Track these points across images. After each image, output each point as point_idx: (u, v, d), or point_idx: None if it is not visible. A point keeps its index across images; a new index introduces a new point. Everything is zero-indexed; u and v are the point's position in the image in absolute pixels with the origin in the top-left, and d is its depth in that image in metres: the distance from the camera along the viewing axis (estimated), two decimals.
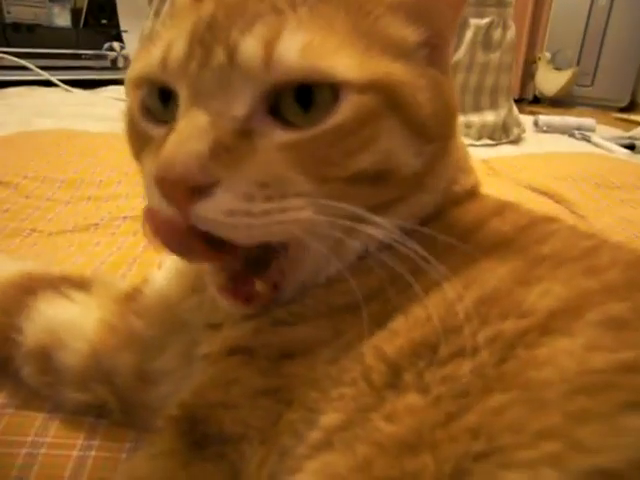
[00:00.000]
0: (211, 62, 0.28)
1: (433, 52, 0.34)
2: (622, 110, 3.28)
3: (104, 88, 2.48)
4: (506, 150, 1.87)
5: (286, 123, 0.29)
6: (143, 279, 0.47)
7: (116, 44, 3.00)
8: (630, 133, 2.16)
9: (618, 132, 2.33)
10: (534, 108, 3.09)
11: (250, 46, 0.28)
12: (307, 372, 0.29)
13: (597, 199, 1.12)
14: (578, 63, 3.34)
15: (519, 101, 3.04)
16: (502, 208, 0.40)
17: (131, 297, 0.45)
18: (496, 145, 1.96)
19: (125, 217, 0.81)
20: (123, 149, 1.19)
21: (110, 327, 0.42)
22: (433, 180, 0.36)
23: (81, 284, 0.46)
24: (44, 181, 0.96)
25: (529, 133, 2.09)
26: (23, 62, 2.40)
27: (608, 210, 1.04)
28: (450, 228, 0.36)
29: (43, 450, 0.37)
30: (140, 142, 0.33)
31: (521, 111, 2.21)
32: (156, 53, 0.30)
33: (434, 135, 0.33)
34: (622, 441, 0.21)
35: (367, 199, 0.31)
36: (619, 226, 0.96)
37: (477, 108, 1.96)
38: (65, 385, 0.40)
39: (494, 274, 0.30)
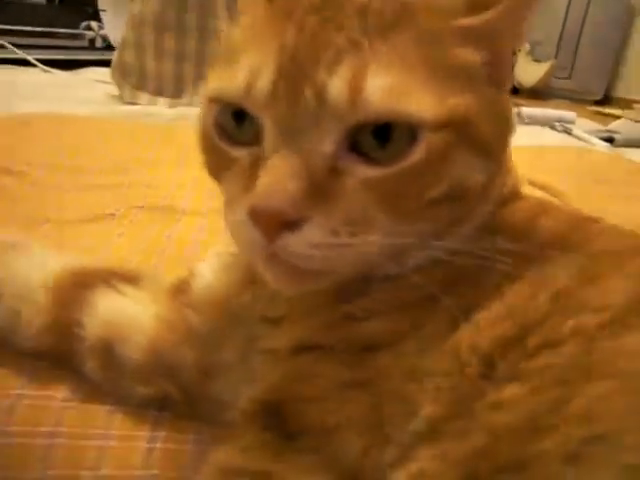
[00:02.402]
0: (300, 102, 0.29)
1: (492, 71, 0.35)
2: (597, 103, 3.38)
3: (83, 69, 2.40)
4: None
5: (366, 158, 0.30)
6: (189, 273, 0.47)
7: (94, 23, 2.91)
8: (609, 126, 2.23)
9: (595, 125, 2.39)
10: (513, 99, 3.15)
11: (338, 88, 0.29)
12: (395, 363, 0.31)
13: (589, 193, 1.16)
14: (556, 56, 3.42)
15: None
16: (545, 207, 0.42)
17: (181, 291, 0.45)
18: None
19: (140, 207, 0.81)
20: (117, 137, 1.17)
21: (167, 322, 0.42)
22: (493, 190, 0.37)
23: (130, 278, 0.46)
24: (48, 168, 0.94)
25: None
26: None
27: (600, 204, 1.08)
28: (503, 229, 0.38)
29: (112, 442, 0.38)
30: (219, 161, 0.35)
31: None
32: (240, 77, 0.31)
33: (495, 151, 0.35)
34: None
35: (445, 216, 0.33)
36: (611, 221, 1.01)
37: None
38: (128, 379, 0.41)
39: (562, 271, 0.32)
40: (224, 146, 0.34)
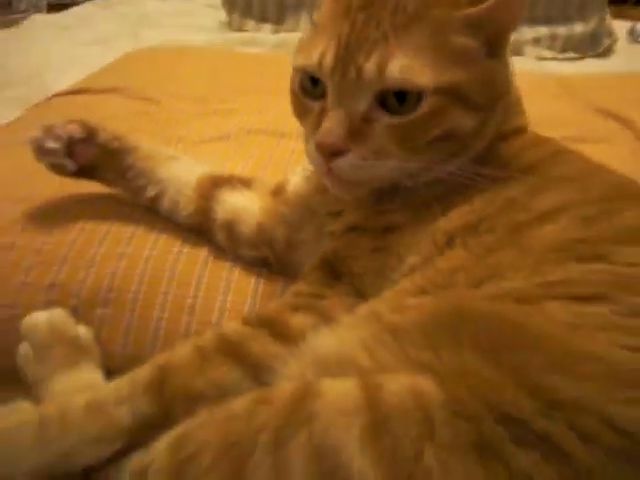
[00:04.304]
0: (347, 76, 0.47)
1: (490, 47, 0.50)
2: None
3: None
4: (591, 64, 1.84)
5: (389, 112, 0.48)
6: (284, 180, 0.69)
7: None
8: None
9: None
10: (637, 11, 2.87)
11: (370, 68, 0.46)
12: (400, 239, 0.51)
13: None
14: None
15: (621, 2, 2.78)
16: (539, 141, 0.57)
17: (278, 192, 0.67)
18: (581, 59, 1.93)
19: (249, 131, 1.02)
20: (229, 66, 1.38)
21: (268, 211, 0.64)
22: (485, 130, 0.53)
23: (245, 182, 0.69)
24: (177, 97, 1.18)
25: (622, 44, 1.96)
26: None
27: None
28: (496, 158, 0.54)
29: (233, 283, 0.62)
30: (301, 108, 0.54)
31: (620, 15, 2.09)
32: (314, 56, 0.49)
33: (485, 107, 0.51)
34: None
35: (442, 150, 0.50)
36: None
37: (565, 18, 1.91)
38: (242, 246, 0.65)
39: (516, 188, 0.49)
40: (305, 99, 0.52)
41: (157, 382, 0.46)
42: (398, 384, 0.34)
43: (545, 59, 1.87)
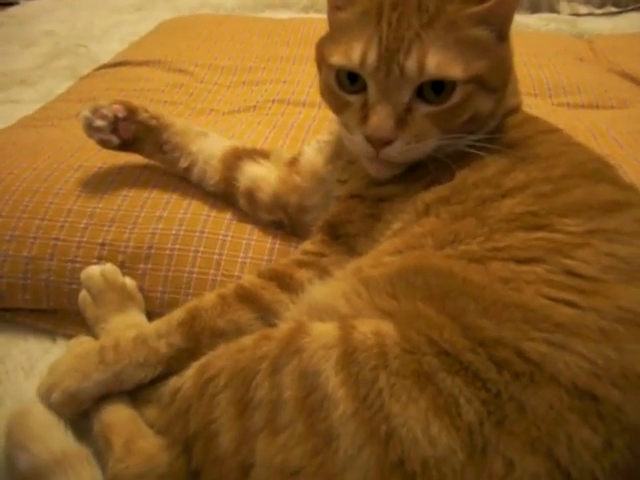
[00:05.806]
0: (392, 74, 0.53)
1: (501, 32, 0.56)
2: None
3: None
4: (630, 19, 1.80)
5: (427, 101, 0.55)
6: (298, 152, 0.77)
7: None
8: None
9: None
10: None
11: (411, 66, 0.53)
12: (390, 208, 0.59)
13: None
14: None
15: None
16: (523, 121, 0.63)
17: (292, 163, 0.76)
18: (621, 13, 1.88)
19: (273, 100, 1.10)
20: (259, 35, 1.47)
21: (283, 180, 0.74)
22: (498, 109, 0.60)
23: (264, 154, 0.78)
24: (209, 68, 1.26)
25: None
26: None
27: None
28: (492, 139, 0.60)
29: (253, 242, 0.72)
30: (338, 102, 0.60)
31: None
32: (355, 57, 0.55)
33: (499, 88, 0.58)
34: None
35: (468, 128, 0.58)
36: None
37: None
38: (260, 210, 0.74)
39: (493, 166, 0.56)
40: (342, 93, 0.59)
41: (188, 321, 0.57)
42: (367, 326, 0.44)
43: (580, 15, 1.83)
